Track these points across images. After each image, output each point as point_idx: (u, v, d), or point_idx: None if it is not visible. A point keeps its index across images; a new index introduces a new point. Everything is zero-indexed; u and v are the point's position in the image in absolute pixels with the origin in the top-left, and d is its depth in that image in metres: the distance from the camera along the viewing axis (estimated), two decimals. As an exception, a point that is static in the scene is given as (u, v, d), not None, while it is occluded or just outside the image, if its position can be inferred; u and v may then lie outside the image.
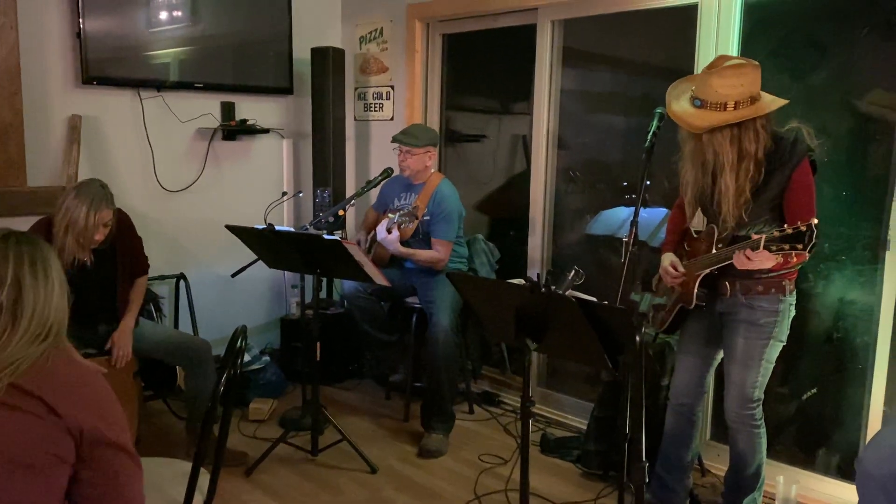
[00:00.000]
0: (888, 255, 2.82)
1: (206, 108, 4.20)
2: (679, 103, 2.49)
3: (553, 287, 2.10)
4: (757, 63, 2.40)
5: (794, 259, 2.22)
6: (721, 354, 2.71)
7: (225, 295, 4.31)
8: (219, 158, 4.33)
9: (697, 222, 2.80)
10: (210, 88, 4.16)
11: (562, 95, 3.89)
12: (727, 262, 2.41)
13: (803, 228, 2.10)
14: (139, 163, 4.00)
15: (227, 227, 3.25)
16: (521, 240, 4.07)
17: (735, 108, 2.36)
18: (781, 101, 2.40)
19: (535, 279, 2.06)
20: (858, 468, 2.05)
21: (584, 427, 3.45)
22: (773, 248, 2.16)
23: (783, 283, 2.52)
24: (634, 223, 2.52)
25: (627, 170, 3.86)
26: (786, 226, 2.16)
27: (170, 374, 3.51)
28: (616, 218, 3.89)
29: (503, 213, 4.53)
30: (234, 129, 4.28)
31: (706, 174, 2.53)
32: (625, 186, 3.88)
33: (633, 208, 2.56)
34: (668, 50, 3.61)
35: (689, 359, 2.75)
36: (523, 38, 3.92)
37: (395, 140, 3.65)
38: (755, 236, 2.22)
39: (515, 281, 2.30)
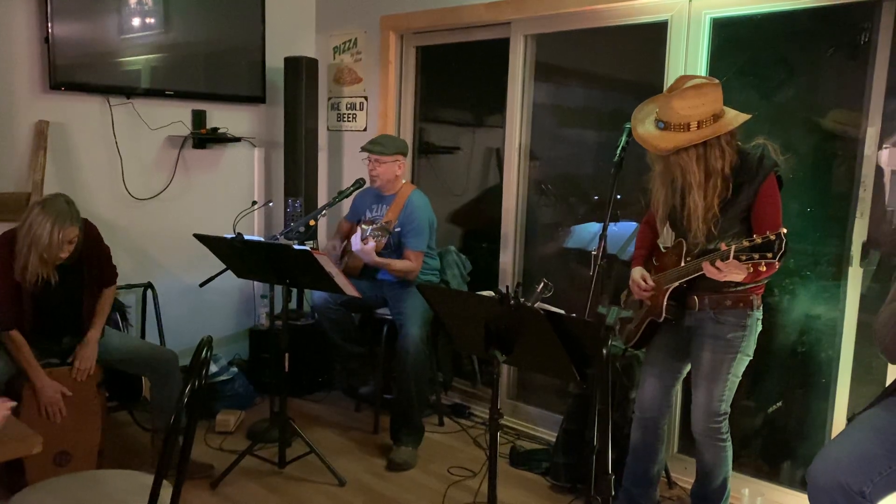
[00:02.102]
0: (851, 270, 2.88)
1: (176, 116, 4.16)
2: (644, 126, 2.51)
3: (522, 299, 2.10)
4: (717, 81, 2.42)
5: (765, 269, 2.19)
6: (688, 369, 2.73)
7: (193, 305, 4.26)
8: (189, 167, 4.28)
9: (665, 238, 2.82)
10: (181, 96, 4.12)
11: (534, 109, 3.92)
12: (696, 275, 2.43)
13: (772, 237, 2.10)
14: (107, 170, 3.95)
15: (196, 235, 3.21)
16: (494, 252, 4.08)
17: (698, 127, 2.38)
18: (745, 116, 2.43)
19: (505, 291, 2.07)
20: (809, 480, 2.08)
21: (553, 439, 3.45)
22: (743, 257, 2.16)
23: (751, 297, 2.54)
24: (603, 236, 2.54)
25: (599, 183, 3.89)
26: (755, 235, 2.16)
27: (135, 385, 3.46)
28: (587, 231, 3.92)
29: (476, 225, 4.54)
30: (204, 138, 4.24)
31: (675, 193, 2.56)
32: (596, 200, 3.91)
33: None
34: (638, 66, 3.66)
35: (656, 372, 2.76)
36: (497, 51, 3.95)
37: (363, 149, 3.65)
38: (724, 247, 2.22)
39: (485, 293, 2.30)
